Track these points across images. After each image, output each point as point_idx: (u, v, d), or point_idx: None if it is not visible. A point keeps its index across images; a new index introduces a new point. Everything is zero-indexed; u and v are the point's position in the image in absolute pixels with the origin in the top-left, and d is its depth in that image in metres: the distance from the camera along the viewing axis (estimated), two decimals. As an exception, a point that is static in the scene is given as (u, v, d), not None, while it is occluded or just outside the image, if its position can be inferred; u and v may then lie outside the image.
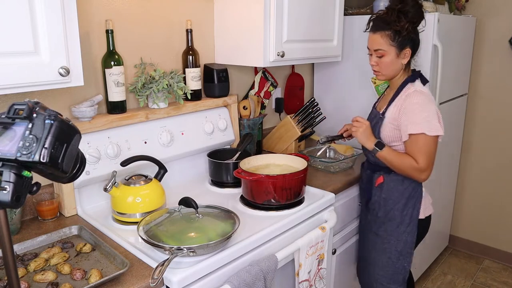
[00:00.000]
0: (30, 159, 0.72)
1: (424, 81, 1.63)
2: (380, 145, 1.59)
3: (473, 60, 2.87)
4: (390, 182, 1.67)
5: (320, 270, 1.61)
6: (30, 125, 0.74)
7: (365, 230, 1.82)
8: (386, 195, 1.68)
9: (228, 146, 2.02)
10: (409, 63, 1.63)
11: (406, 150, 1.59)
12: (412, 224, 1.68)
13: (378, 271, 1.76)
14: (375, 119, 1.69)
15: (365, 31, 1.65)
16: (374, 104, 1.82)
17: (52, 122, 0.74)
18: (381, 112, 1.66)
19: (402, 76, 1.64)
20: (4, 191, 0.72)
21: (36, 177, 0.80)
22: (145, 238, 1.22)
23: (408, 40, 1.55)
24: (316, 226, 1.58)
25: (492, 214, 3.00)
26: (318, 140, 1.91)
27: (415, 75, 1.63)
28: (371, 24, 1.60)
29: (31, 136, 0.73)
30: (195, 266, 1.17)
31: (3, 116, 0.75)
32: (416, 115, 1.53)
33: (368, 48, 1.63)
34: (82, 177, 1.46)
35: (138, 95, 1.66)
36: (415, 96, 1.55)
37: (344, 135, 1.87)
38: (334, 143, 2.08)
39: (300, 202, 1.61)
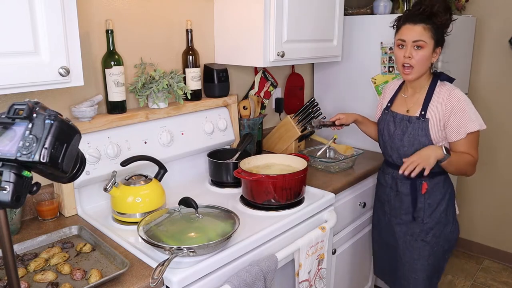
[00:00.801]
0: (30, 159, 0.72)
1: (451, 80, 1.63)
2: (447, 150, 1.53)
3: (473, 60, 2.87)
4: (433, 186, 1.65)
5: (320, 270, 1.61)
6: (30, 125, 0.74)
7: (407, 241, 1.71)
8: (432, 200, 1.65)
9: (228, 146, 2.02)
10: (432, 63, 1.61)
11: (460, 148, 1.56)
12: (455, 221, 1.71)
13: (427, 274, 1.70)
14: (410, 124, 1.62)
15: (400, 24, 1.59)
16: (388, 108, 1.74)
17: (52, 122, 0.74)
18: (417, 115, 1.61)
19: (427, 76, 1.63)
20: (4, 191, 0.72)
21: (36, 177, 0.79)
22: (145, 238, 1.22)
23: (442, 38, 1.57)
24: (316, 226, 1.58)
25: (492, 214, 2.99)
26: (310, 123, 1.89)
27: (441, 75, 1.63)
28: (406, 16, 1.57)
29: (31, 136, 0.73)
30: (195, 266, 1.17)
31: (3, 116, 0.75)
32: (469, 113, 1.54)
33: (402, 40, 1.56)
34: (82, 177, 1.46)
35: (138, 95, 1.66)
36: (459, 94, 1.56)
37: (336, 123, 1.85)
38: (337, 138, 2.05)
39: (300, 202, 1.61)
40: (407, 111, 1.67)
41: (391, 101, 1.76)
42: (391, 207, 1.76)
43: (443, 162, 1.53)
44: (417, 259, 1.69)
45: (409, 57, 1.55)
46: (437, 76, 1.63)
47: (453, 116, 1.55)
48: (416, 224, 1.68)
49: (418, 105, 1.63)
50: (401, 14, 1.64)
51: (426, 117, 1.60)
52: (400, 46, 1.59)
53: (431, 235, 1.67)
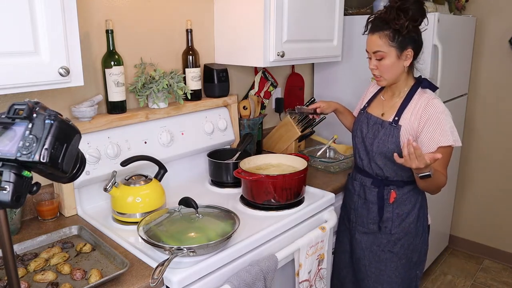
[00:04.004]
0: (30, 159, 0.72)
1: (434, 88, 1.54)
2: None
3: (473, 60, 2.87)
4: (402, 195, 1.57)
5: (320, 270, 1.61)
6: (30, 125, 0.73)
7: (373, 252, 1.64)
8: (400, 210, 1.57)
9: (228, 146, 2.02)
10: (412, 66, 1.52)
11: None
12: (425, 232, 1.63)
13: (393, 286, 1.64)
14: (382, 128, 1.55)
15: (364, 34, 1.55)
16: (364, 109, 1.67)
17: (52, 122, 0.74)
18: (390, 121, 1.53)
19: (407, 81, 1.54)
20: (4, 191, 0.72)
21: (36, 177, 0.79)
22: (145, 238, 1.22)
23: (409, 39, 1.45)
24: (316, 226, 1.58)
25: (492, 214, 3.00)
26: (294, 110, 1.82)
27: (423, 81, 1.54)
28: (369, 26, 1.50)
29: (31, 136, 0.73)
30: (195, 266, 1.17)
31: (3, 116, 0.75)
32: (444, 126, 1.44)
33: (367, 51, 1.52)
34: (82, 177, 1.46)
35: (138, 95, 1.66)
36: (438, 105, 1.47)
37: (318, 111, 1.79)
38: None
39: (300, 202, 1.61)
40: (382, 114, 1.58)
41: (369, 102, 1.68)
42: (357, 215, 1.67)
43: (428, 176, 1.34)
44: (383, 270, 1.62)
45: (373, 68, 1.50)
46: (419, 83, 1.55)
47: (427, 126, 1.45)
48: (384, 235, 1.60)
49: (394, 109, 1.55)
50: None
51: (399, 123, 1.51)
52: (368, 56, 1.53)
53: (399, 246, 1.59)
